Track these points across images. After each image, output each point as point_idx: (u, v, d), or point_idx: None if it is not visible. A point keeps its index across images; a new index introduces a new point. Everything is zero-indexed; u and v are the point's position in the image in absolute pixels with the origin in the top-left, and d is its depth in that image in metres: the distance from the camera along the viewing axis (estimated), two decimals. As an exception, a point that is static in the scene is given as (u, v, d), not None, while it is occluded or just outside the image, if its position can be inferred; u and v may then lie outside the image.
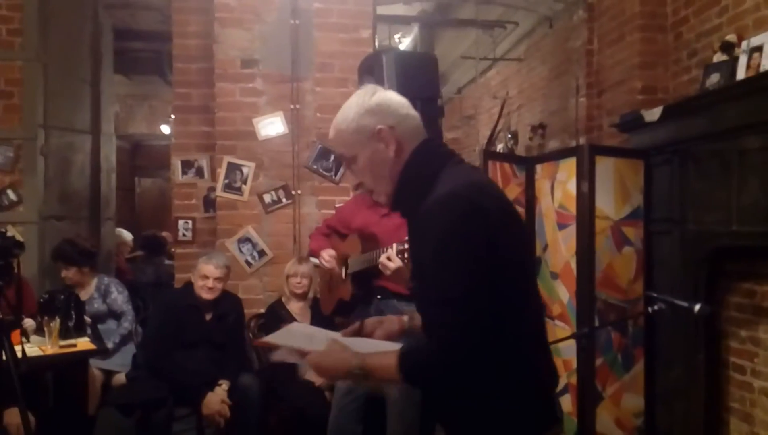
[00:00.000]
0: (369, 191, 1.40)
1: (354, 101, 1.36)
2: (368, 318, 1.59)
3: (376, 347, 1.38)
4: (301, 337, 1.55)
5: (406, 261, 2.08)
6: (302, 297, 3.35)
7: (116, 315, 3.72)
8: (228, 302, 3.30)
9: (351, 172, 1.40)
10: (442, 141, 1.42)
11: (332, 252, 2.68)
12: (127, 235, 6.04)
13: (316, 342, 1.42)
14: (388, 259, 2.26)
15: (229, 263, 3.31)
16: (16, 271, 2.28)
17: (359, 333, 1.51)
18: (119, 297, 3.72)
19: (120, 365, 3.57)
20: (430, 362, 1.22)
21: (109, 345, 3.55)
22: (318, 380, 3.18)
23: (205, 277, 3.16)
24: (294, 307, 3.36)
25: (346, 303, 2.68)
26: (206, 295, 3.17)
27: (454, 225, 1.20)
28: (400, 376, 1.23)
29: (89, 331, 3.47)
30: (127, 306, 3.75)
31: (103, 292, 3.71)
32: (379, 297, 2.55)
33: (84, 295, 3.65)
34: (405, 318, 1.58)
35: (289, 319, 3.31)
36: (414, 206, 1.30)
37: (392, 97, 1.37)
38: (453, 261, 1.19)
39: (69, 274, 3.63)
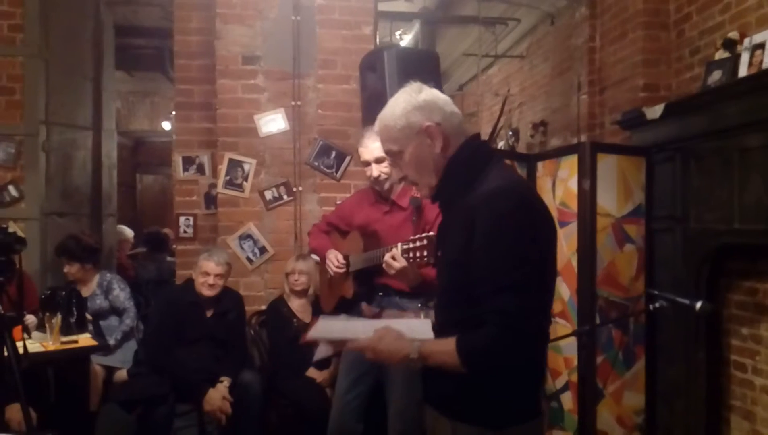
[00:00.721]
0: (412, 183, 1.48)
1: (401, 98, 1.42)
2: (388, 309, 1.67)
3: (410, 328, 1.46)
4: (340, 329, 1.62)
5: (411, 260, 2.07)
6: (302, 294, 3.36)
7: (118, 311, 3.74)
8: (229, 299, 3.30)
9: (396, 165, 1.49)
10: (484, 140, 1.52)
11: (341, 257, 2.65)
12: (129, 232, 6.05)
13: (357, 330, 1.49)
14: (393, 258, 2.24)
15: (230, 260, 3.31)
16: (17, 267, 2.28)
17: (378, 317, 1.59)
18: (121, 294, 3.73)
19: (121, 362, 3.58)
20: (492, 346, 1.28)
21: (111, 341, 3.56)
22: (321, 377, 3.19)
23: (206, 273, 3.16)
24: (295, 304, 3.36)
25: (348, 301, 2.67)
26: (207, 292, 3.17)
27: (510, 216, 1.29)
28: (460, 360, 1.29)
29: (90, 327, 3.48)
30: (129, 302, 3.76)
31: (105, 288, 3.73)
32: (381, 294, 2.55)
33: (86, 292, 3.67)
34: (422, 314, 1.70)
35: (291, 316, 3.32)
36: (456, 198, 1.40)
37: (438, 95, 1.43)
38: (510, 249, 1.28)
39: (72, 270, 3.64)
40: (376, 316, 1.61)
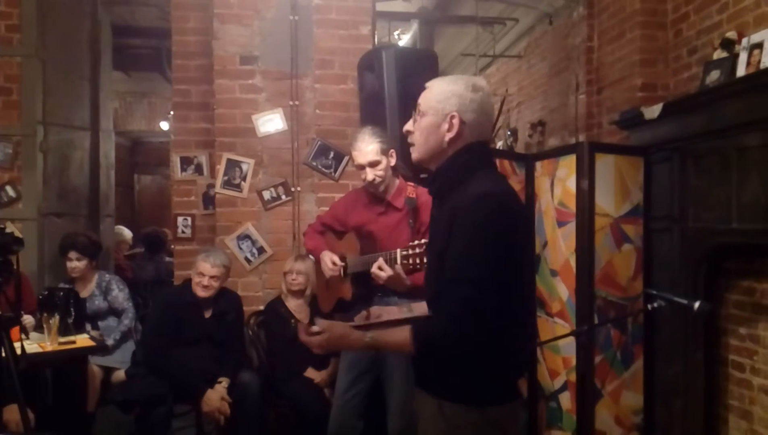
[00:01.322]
0: (411, 143, 1.59)
1: (461, 79, 1.54)
2: (373, 307, 1.72)
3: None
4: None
5: (411, 266, 2.07)
6: (300, 294, 3.35)
7: (117, 312, 3.73)
8: (227, 300, 3.29)
9: (413, 120, 1.59)
10: (489, 149, 1.63)
11: (335, 258, 2.65)
12: (128, 233, 6.04)
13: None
14: (380, 268, 2.28)
15: (229, 262, 3.29)
16: (15, 267, 2.28)
17: (368, 320, 1.66)
18: (120, 294, 3.73)
19: (119, 362, 3.58)
20: (440, 332, 1.40)
21: (109, 342, 3.56)
22: (319, 377, 3.18)
23: (201, 274, 3.15)
24: (292, 304, 3.36)
25: (346, 302, 2.67)
26: (201, 293, 3.16)
27: (486, 220, 1.40)
28: (413, 345, 1.41)
29: (89, 327, 3.48)
30: (128, 303, 3.76)
31: (104, 289, 3.72)
32: (379, 295, 2.55)
33: (85, 292, 3.66)
34: (404, 308, 1.75)
35: (288, 316, 3.31)
36: (446, 191, 1.53)
37: (486, 105, 1.55)
38: (478, 249, 1.39)
39: (80, 265, 3.64)
40: (366, 319, 1.63)
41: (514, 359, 1.53)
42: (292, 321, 3.30)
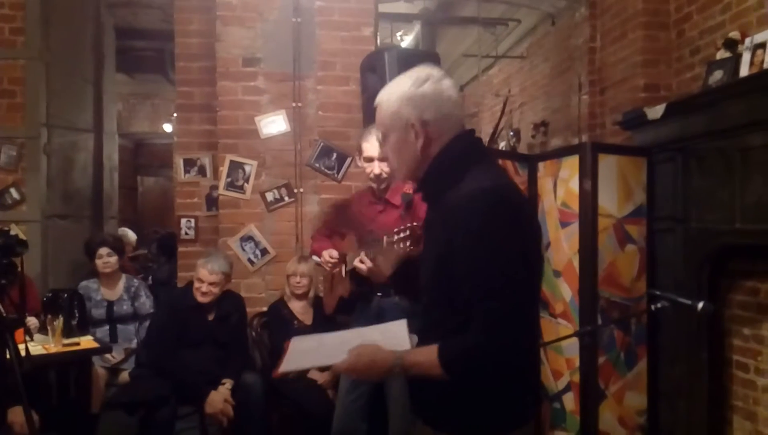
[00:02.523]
0: (390, 165, 1.52)
1: (403, 84, 1.39)
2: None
3: (385, 331, 1.43)
4: (314, 352, 1.52)
5: (403, 248, 2.08)
6: (303, 296, 3.35)
7: (141, 318, 3.75)
8: (230, 302, 3.30)
9: (382, 144, 1.50)
10: (475, 137, 1.45)
11: (334, 253, 2.67)
12: (131, 235, 6.05)
13: (333, 349, 1.41)
14: (361, 261, 2.38)
15: (228, 268, 3.25)
16: (19, 269, 2.28)
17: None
18: (147, 301, 3.80)
19: (125, 365, 3.58)
20: (475, 353, 1.25)
21: (132, 346, 3.58)
22: (323, 378, 3.19)
23: (201, 280, 3.16)
24: (295, 306, 3.36)
25: (346, 301, 2.68)
26: (200, 299, 3.16)
27: (491, 218, 1.26)
28: (442, 368, 1.26)
29: (107, 330, 3.51)
30: (152, 310, 3.79)
31: (132, 294, 3.75)
32: (379, 295, 2.55)
33: (113, 295, 3.70)
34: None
35: (291, 318, 3.32)
36: (438, 194, 1.38)
37: (442, 92, 1.38)
38: (492, 253, 1.24)
39: (111, 260, 3.68)
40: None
41: (528, 373, 1.40)
42: (295, 323, 3.30)
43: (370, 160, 2.54)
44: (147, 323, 3.71)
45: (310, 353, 1.53)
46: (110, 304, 3.65)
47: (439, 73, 1.40)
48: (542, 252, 1.50)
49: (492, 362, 1.26)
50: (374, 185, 2.60)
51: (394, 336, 1.41)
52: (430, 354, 1.28)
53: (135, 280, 3.85)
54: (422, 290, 1.48)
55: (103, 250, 3.68)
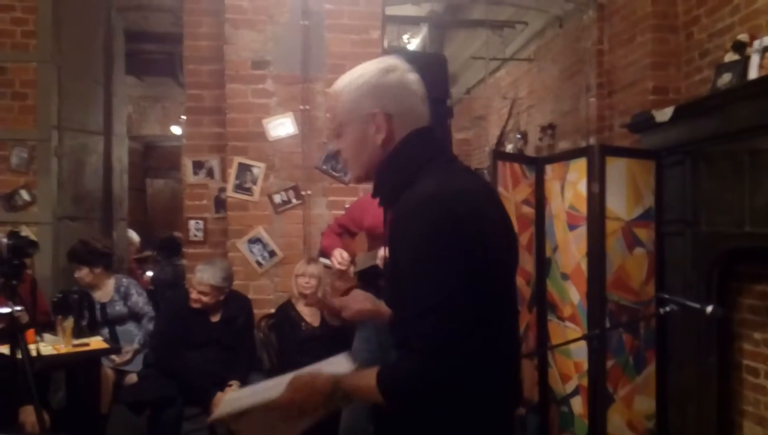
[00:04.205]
0: (344, 163, 1.34)
1: (366, 70, 1.26)
2: (357, 291, 1.54)
3: (327, 366, 1.31)
4: (250, 395, 1.41)
5: None
6: (311, 298, 3.35)
7: (137, 317, 3.75)
8: (236, 304, 3.31)
9: (334, 136, 1.32)
10: (434, 135, 1.30)
11: (345, 253, 2.67)
12: (135, 237, 6.09)
13: (270, 388, 1.30)
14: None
15: (219, 282, 3.16)
16: (29, 270, 2.31)
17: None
18: (140, 299, 3.76)
19: (131, 366, 3.60)
20: (412, 377, 1.11)
21: (135, 345, 3.59)
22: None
23: (192, 287, 3.18)
24: (303, 308, 3.36)
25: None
26: (192, 305, 3.17)
27: (428, 230, 1.12)
28: (382, 395, 1.13)
29: (107, 333, 3.51)
30: (148, 307, 3.79)
31: (123, 294, 3.73)
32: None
33: (104, 297, 3.68)
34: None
35: (299, 319, 3.33)
36: (393, 197, 1.23)
37: (407, 85, 1.26)
38: (429, 268, 1.11)
39: (81, 274, 3.65)
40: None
41: (503, 393, 1.23)
42: (303, 324, 3.31)
43: None
44: (146, 320, 3.71)
45: (245, 398, 1.42)
46: (103, 306, 3.64)
47: (405, 65, 1.28)
48: (515, 255, 1.30)
49: (432, 387, 1.10)
50: None
51: (336, 367, 1.30)
52: (369, 379, 1.15)
53: (124, 280, 3.80)
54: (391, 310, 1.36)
55: (75, 265, 3.66)
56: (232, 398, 1.48)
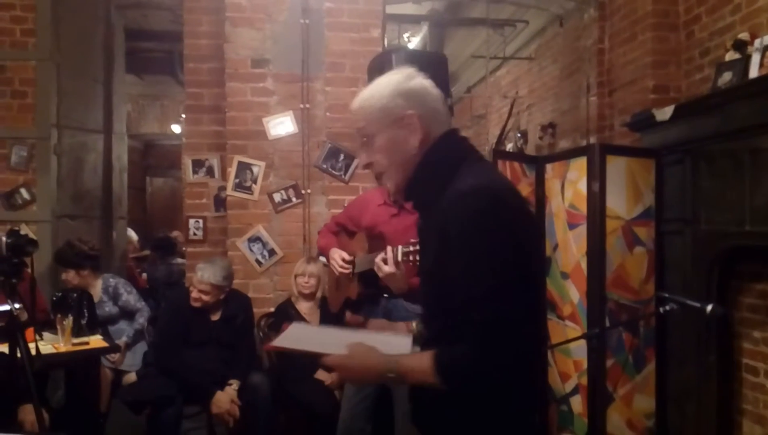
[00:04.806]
0: (378, 174, 1.34)
1: (390, 79, 1.31)
2: (374, 319, 1.56)
3: (387, 343, 1.36)
4: (311, 339, 1.50)
5: (411, 263, 2.06)
6: (310, 297, 3.36)
7: (130, 315, 3.73)
8: (236, 303, 3.31)
9: (364, 149, 1.34)
10: (462, 135, 1.37)
11: (345, 255, 2.65)
12: (133, 235, 6.10)
13: (329, 343, 1.37)
14: (384, 262, 2.23)
15: (220, 280, 3.16)
16: (29, 269, 2.30)
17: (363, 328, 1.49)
18: (130, 297, 3.72)
19: (129, 365, 3.59)
20: (470, 361, 1.16)
21: (124, 338, 3.57)
22: (330, 379, 3.19)
23: (193, 285, 3.17)
24: (303, 306, 3.36)
25: (353, 302, 2.68)
26: (192, 303, 3.17)
27: (482, 219, 1.16)
28: (436, 377, 1.18)
29: (99, 330, 3.50)
30: (141, 303, 3.76)
31: (112, 294, 3.69)
32: (386, 296, 2.54)
33: (93, 299, 3.66)
34: (413, 324, 1.56)
35: (299, 318, 3.32)
36: (429, 198, 1.28)
37: (428, 88, 1.32)
38: (484, 256, 1.16)
39: (68, 276, 3.60)
40: (361, 325, 1.50)
41: (533, 382, 1.31)
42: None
43: None
44: (138, 315, 3.69)
45: (306, 338, 1.50)
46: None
47: (419, 73, 1.34)
48: (545, 254, 1.41)
49: (487, 372, 1.17)
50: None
51: (396, 347, 1.35)
52: (425, 361, 1.20)
53: (111, 280, 3.74)
54: (422, 303, 1.41)
55: (60, 267, 3.64)
56: (295, 332, 1.54)
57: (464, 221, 1.17)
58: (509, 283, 1.16)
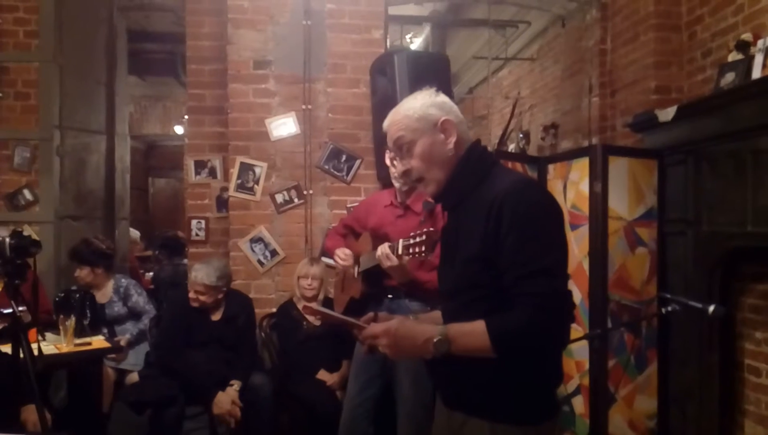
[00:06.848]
0: (417, 180, 1.46)
1: (418, 96, 1.47)
2: (381, 312, 1.61)
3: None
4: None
5: (411, 256, 2.08)
6: (313, 298, 3.36)
7: (137, 316, 3.75)
8: (237, 303, 3.31)
9: (403, 157, 1.47)
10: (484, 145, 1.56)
11: (347, 251, 2.68)
12: (135, 234, 6.10)
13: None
14: (387, 255, 2.29)
15: (214, 281, 3.16)
16: (32, 269, 2.31)
17: (375, 321, 1.52)
18: (140, 299, 3.76)
19: (132, 365, 3.60)
20: (526, 327, 1.27)
21: (126, 336, 3.58)
22: (331, 380, 3.19)
23: (190, 285, 3.18)
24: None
25: (356, 302, 2.69)
26: (192, 304, 3.18)
27: (540, 204, 1.35)
28: (491, 342, 1.28)
29: (106, 332, 3.51)
30: (149, 306, 3.79)
31: (122, 295, 3.73)
32: (390, 296, 2.55)
33: (102, 298, 3.68)
34: (411, 317, 1.61)
35: (300, 319, 3.33)
36: (462, 198, 1.44)
37: (452, 103, 1.50)
38: (542, 235, 1.31)
39: (82, 273, 3.66)
40: (371, 320, 1.55)
41: (560, 360, 1.48)
42: (304, 324, 3.31)
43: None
44: (144, 317, 3.71)
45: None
46: (101, 307, 3.64)
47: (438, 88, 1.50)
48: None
49: (541, 338, 1.28)
50: (398, 184, 2.58)
51: None
52: (477, 326, 1.30)
53: (123, 280, 3.78)
54: (448, 295, 1.48)
55: (76, 264, 3.67)
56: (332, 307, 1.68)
57: (524, 207, 1.32)
58: (561, 262, 1.34)
